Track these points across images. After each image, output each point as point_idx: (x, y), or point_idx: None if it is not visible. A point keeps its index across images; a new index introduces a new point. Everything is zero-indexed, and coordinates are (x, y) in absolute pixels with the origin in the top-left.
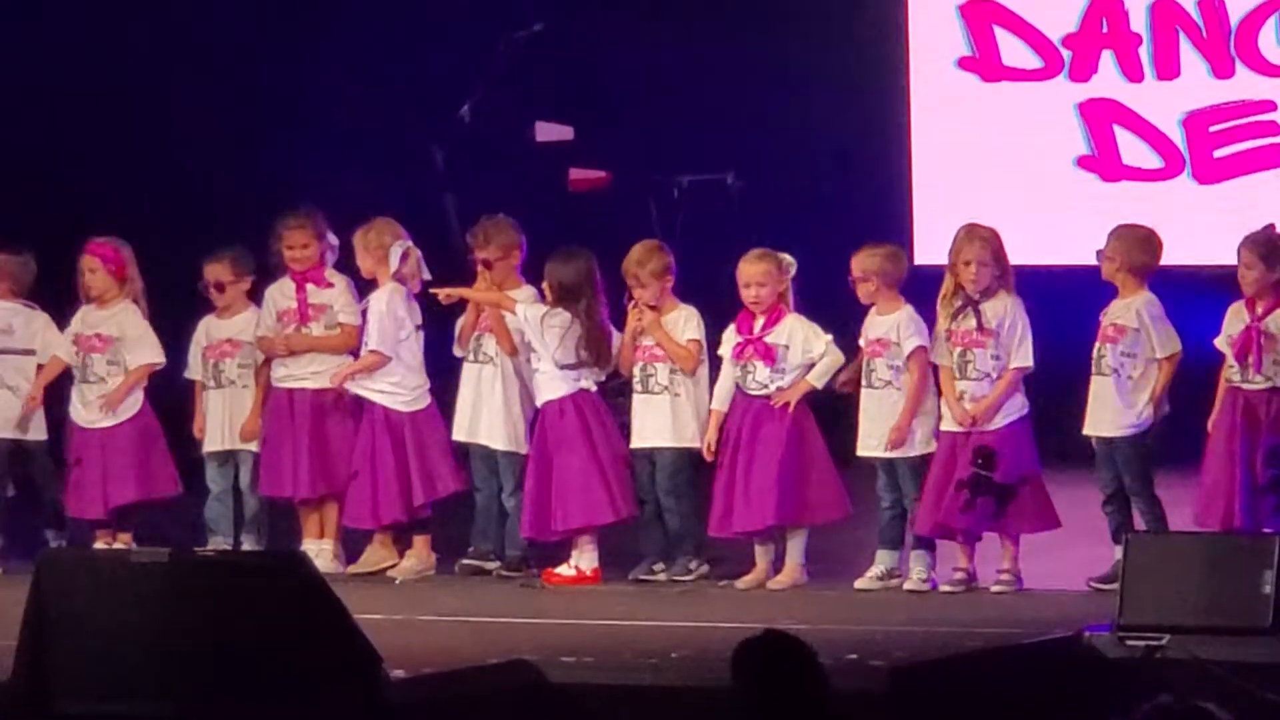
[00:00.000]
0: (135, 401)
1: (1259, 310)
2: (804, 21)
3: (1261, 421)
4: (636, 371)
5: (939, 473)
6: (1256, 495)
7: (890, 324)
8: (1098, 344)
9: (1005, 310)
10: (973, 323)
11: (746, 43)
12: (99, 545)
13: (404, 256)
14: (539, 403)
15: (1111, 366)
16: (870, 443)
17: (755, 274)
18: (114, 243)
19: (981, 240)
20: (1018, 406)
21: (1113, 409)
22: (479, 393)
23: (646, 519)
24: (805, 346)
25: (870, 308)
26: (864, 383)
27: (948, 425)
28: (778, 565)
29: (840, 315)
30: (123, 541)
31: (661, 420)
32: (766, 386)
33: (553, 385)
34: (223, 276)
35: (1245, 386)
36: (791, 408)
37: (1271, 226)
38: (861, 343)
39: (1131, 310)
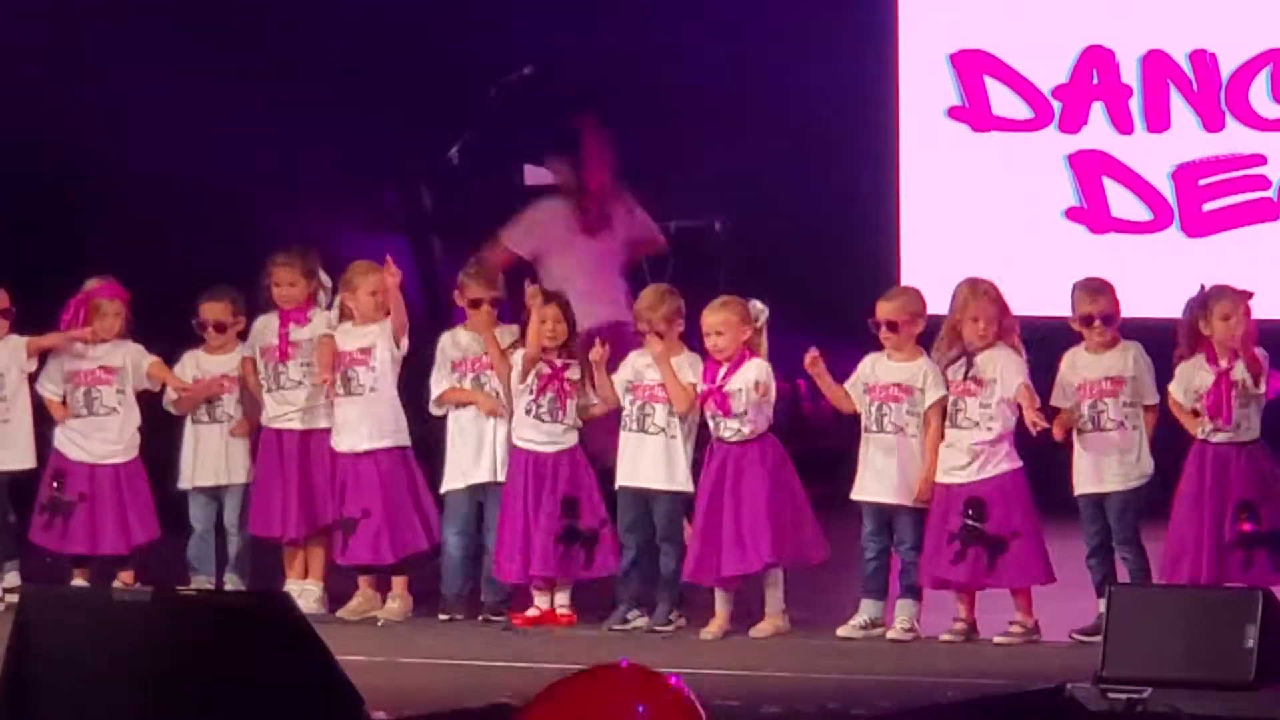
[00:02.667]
0: (134, 444)
1: (1223, 364)
2: (794, 67)
3: (1230, 476)
4: (632, 409)
5: (935, 524)
6: (1224, 551)
7: (912, 371)
8: (1090, 400)
9: (998, 361)
10: (963, 374)
11: (736, 87)
12: (78, 583)
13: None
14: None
15: (1115, 420)
16: (873, 488)
17: (715, 322)
18: (113, 281)
19: (987, 297)
20: (1008, 457)
21: (1117, 462)
22: (466, 438)
23: (626, 565)
24: (751, 379)
25: (861, 352)
26: (869, 428)
27: (941, 477)
28: (740, 612)
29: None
30: (123, 580)
31: (657, 463)
32: (740, 431)
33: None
34: (223, 317)
35: (1214, 440)
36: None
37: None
38: (855, 386)
39: (1128, 359)
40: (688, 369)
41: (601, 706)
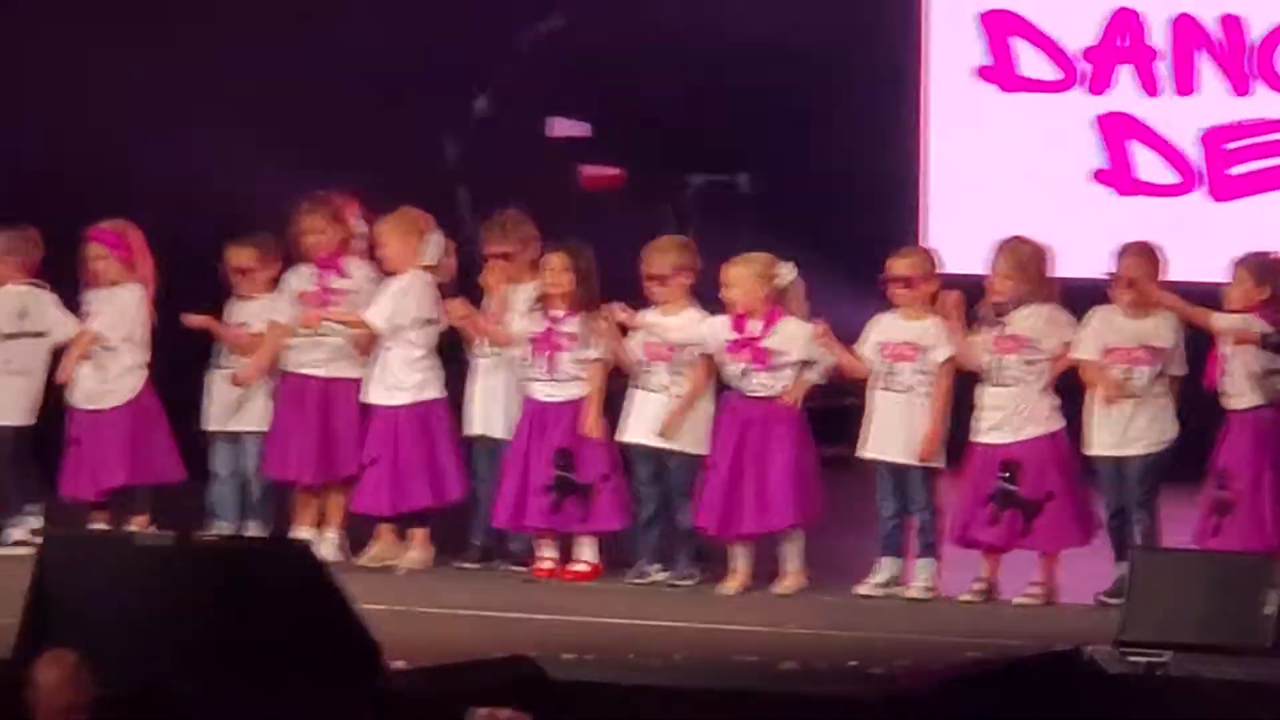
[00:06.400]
0: (133, 385)
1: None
2: (823, 24)
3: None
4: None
5: (970, 485)
6: None
7: (921, 329)
8: (1124, 366)
9: (1037, 318)
10: (1001, 330)
11: (763, 44)
12: (96, 526)
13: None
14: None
15: (1145, 385)
16: (882, 446)
17: (727, 276)
18: (119, 226)
19: (1006, 252)
20: (1045, 419)
21: (1144, 426)
22: (486, 385)
23: (645, 519)
24: (803, 347)
25: (877, 311)
26: (879, 385)
27: (979, 437)
28: (759, 569)
29: (845, 318)
30: (137, 524)
31: (658, 420)
32: (770, 387)
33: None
34: (246, 262)
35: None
36: (797, 405)
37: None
38: (868, 346)
39: (1167, 328)
40: (690, 323)
41: None
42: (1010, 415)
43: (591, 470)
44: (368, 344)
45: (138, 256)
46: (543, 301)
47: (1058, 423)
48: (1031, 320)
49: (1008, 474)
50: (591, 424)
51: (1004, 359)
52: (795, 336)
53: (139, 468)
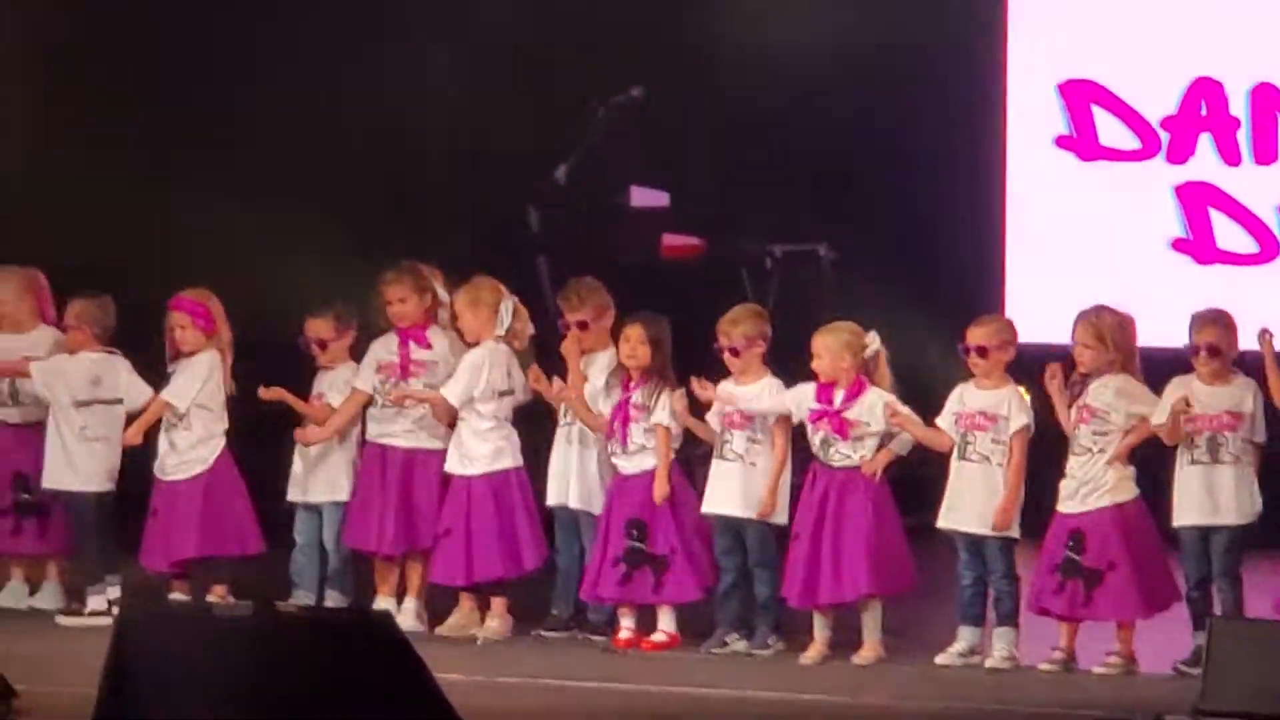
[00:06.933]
0: (206, 455)
1: None
2: (903, 95)
3: None
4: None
5: (1045, 554)
6: None
7: (997, 399)
8: (1210, 433)
9: (1109, 390)
10: (1080, 400)
11: (843, 113)
12: (175, 597)
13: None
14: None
15: (1233, 454)
16: (959, 516)
17: (816, 345)
18: (200, 295)
19: (1086, 323)
20: (1111, 490)
21: (1232, 496)
22: (562, 455)
23: (724, 588)
24: (884, 419)
25: (959, 380)
26: (956, 455)
27: (1058, 506)
28: (839, 637)
29: (923, 387)
30: (216, 594)
31: (737, 489)
32: (849, 457)
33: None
34: (324, 333)
35: None
36: (877, 477)
37: None
38: (946, 418)
39: (1248, 396)
40: (767, 396)
41: None
42: (1080, 485)
43: (664, 541)
44: (450, 416)
45: (217, 325)
46: (620, 374)
47: (1127, 494)
48: (1102, 391)
49: (1073, 543)
50: (658, 491)
51: (1079, 428)
52: (876, 408)
53: (211, 539)
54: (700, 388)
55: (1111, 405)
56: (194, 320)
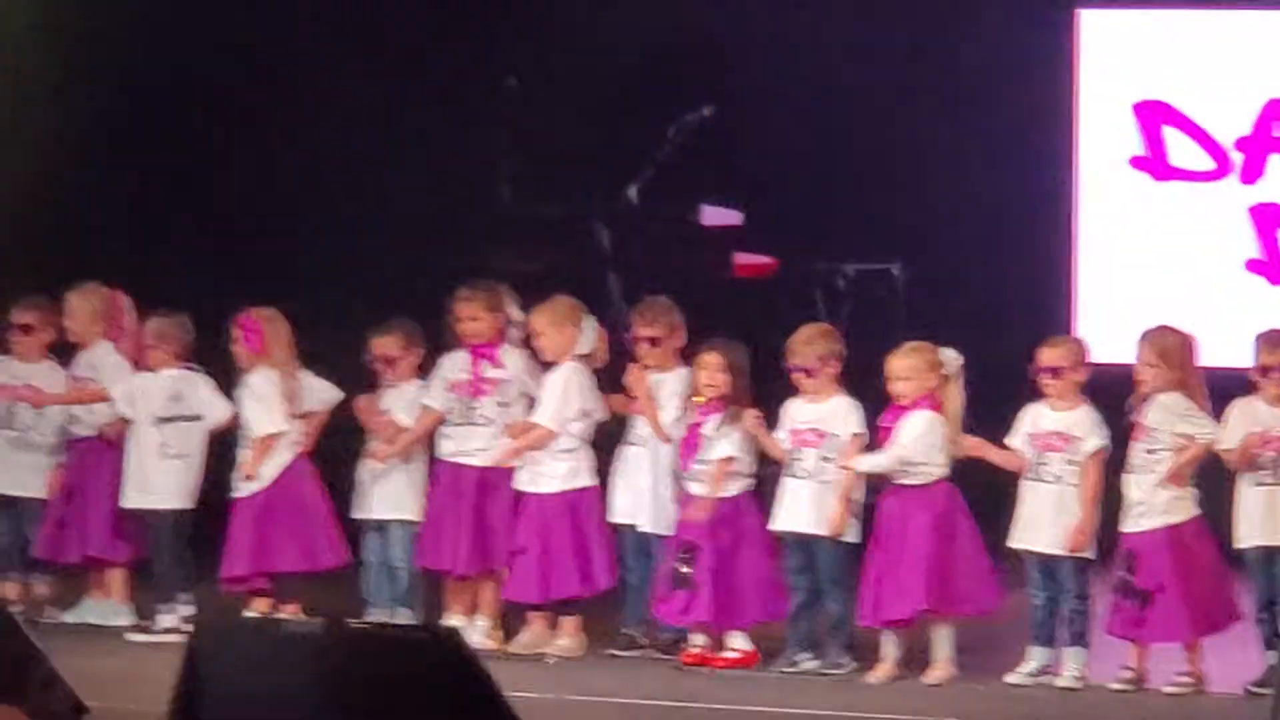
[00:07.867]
0: (270, 473)
1: None
2: (975, 114)
3: None
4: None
5: (1111, 573)
6: None
7: (1070, 419)
8: (1274, 454)
9: (1161, 409)
10: (1139, 419)
11: (916, 131)
12: (251, 613)
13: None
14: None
15: None
16: (1031, 536)
17: (901, 368)
18: (262, 315)
19: (1148, 343)
20: (1163, 510)
21: None
22: (628, 474)
23: (795, 607)
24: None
25: (1026, 401)
26: (1028, 475)
27: (1121, 526)
28: (910, 657)
29: (997, 408)
30: (288, 611)
31: (809, 508)
32: (910, 474)
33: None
34: (391, 351)
35: None
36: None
37: None
38: (1019, 437)
39: None
40: (843, 415)
41: None
42: (1134, 505)
43: (704, 567)
44: (551, 441)
45: (267, 344)
46: (697, 402)
47: (1181, 514)
48: (1154, 409)
49: (1127, 564)
50: (694, 512)
51: (1133, 445)
52: (917, 425)
53: (274, 555)
54: (757, 419)
55: (1159, 422)
56: (244, 337)
